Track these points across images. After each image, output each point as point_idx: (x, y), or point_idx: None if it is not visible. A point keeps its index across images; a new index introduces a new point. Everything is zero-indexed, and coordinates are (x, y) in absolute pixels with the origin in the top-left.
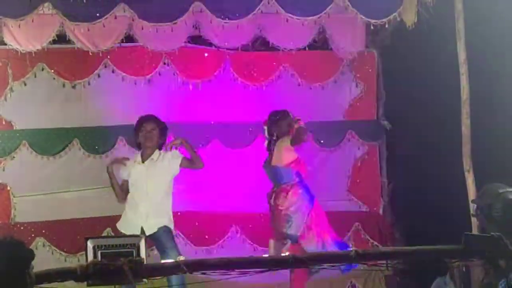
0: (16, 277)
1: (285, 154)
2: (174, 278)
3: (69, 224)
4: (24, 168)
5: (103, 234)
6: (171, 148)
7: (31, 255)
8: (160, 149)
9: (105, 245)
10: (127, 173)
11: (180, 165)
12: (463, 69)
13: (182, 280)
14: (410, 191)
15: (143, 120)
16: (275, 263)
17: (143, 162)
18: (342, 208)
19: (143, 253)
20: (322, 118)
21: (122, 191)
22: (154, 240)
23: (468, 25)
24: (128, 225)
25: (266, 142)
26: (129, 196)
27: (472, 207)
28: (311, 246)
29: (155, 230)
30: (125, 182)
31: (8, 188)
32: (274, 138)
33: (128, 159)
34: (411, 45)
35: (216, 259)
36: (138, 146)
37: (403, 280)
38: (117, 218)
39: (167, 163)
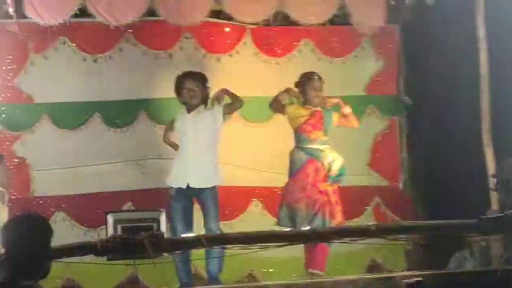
0: (36, 252)
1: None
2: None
3: (89, 198)
4: (43, 142)
5: (123, 209)
6: (218, 101)
7: (50, 230)
8: (205, 102)
9: (125, 219)
10: (178, 126)
11: (224, 113)
12: (483, 44)
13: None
14: (430, 166)
15: (183, 77)
16: (296, 237)
17: (189, 113)
18: (362, 183)
19: (163, 227)
20: (343, 92)
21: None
22: (199, 200)
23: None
24: (177, 179)
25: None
26: (178, 150)
27: (492, 181)
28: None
29: (202, 186)
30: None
31: (28, 162)
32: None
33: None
34: (431, 20)
35: (237, 233)
36: (183, 103)
37: (423, 254)
38: (137, 192)
39: (211, 115)
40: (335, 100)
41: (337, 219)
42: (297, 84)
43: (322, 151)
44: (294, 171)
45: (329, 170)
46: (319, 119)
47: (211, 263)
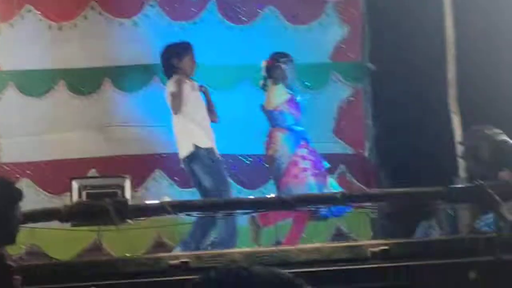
0: (2, 217)
1: (273, 95)
2: None
3: (54, 165)
4: (10, 110)
5: (88, 175)
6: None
7: (19, 195)
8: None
9: (90, 186)
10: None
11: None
12: (448, 11)
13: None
14: (395, 133)
15: (189, 48)
16: (261, 205)
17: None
18: (328, 151)
19: (128, 194)
20: (307, 60)
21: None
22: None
23: None
24: (206, 140)
25: (261, 83)
26: (190, 114)
27: (459, 149)
28: (306, 185)
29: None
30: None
31: None
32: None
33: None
34: None
35: (201, 200)
36: (170, 72)
37: (389, 223)
38: (102, 159)
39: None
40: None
41: None
42: (270, 63)
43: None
44: (288, 152)
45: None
46: (297, 102)
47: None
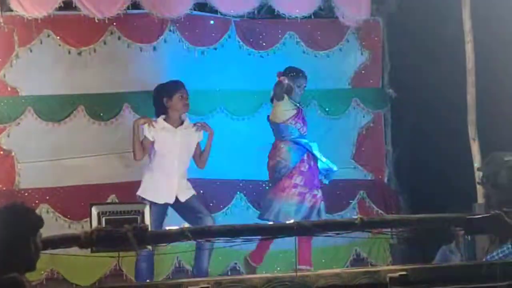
0: (23, 243)
1: (281, 111)
2: None
3: (73, 191)
4: (28, 135)
5: (107, 201)
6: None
7: (40, 222)
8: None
9: (109, 212)
10: (152, 135)
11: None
12: (469, 38)
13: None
14: (415, 159)
15: (179, 85)
16: (279, 231)
17: (175, 127)
18: (347, 176)
19: (147, 220)
20: (327, 86)
21: (142, 148)
22: (185, 208)
23: None
24: (158, 192)
25: (271, 96)
26: (156, 162)
27: (478, 175)
28: (288, 201)
29: (187, 197)
30: (146, 141)
31: (13, 154)
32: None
33: (155, 121)
34: (417, 13)
35: (220, 226)
36: (161, 111)
37: (408, 248)
38: (121, 184)
39: (196, 134)
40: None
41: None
42: (281, 76)
43: (310, 145)
44: (289, 164)
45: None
46: (303, 116)
47: (200, 257)
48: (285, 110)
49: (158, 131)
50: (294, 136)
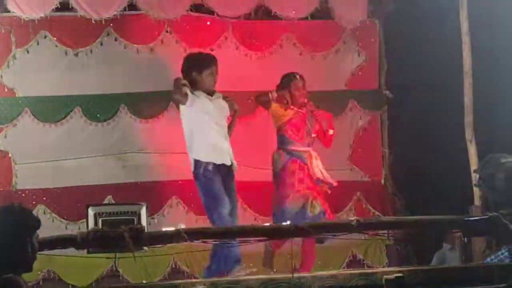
0: (20, 244)
1: (275, 118)
2: None
3: (70, 192)
4: (25, 136)
5: (104, 202)
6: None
7: (37, 223)
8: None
9: (106, 213)
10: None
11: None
12: (466, 40)
13: None
14: (412, 161)
15: (212, 61)
16: (276, 232)
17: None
18: (344, 178)
19: (144, 221)
20: (324, 87)
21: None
22: (225, 181)
23: None
24: (219, 153)
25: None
26: (205, 129)
27: (475, 177)
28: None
29: (236, 163)
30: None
31: (10, 155)
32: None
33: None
34: (413, 15)
35: (217, 227)
36: (191, 82)
37: (404, 250)
38: (118, 185)
39: (225, 106)
40: (327, 116)
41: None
42: (279, 87)
43: (303, 152)
44: (278, 172)
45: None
46: (303, 120)
47: (219, 257)
48: (278, 116)
49: (197, 99)
50: (285, 146)
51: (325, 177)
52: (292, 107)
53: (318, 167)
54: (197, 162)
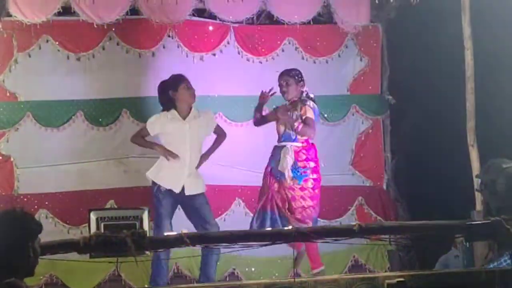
0: (22, 249)
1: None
2: None
3: (72, 196)
4: (27, 140)
5: (106, 206)
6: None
7: (39, 228)
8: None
9: (108, 217)
10: (160, 128)
11: (214, 131)
12: (468, 44)
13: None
14: (414, 165)
15: (182, 77)
16: (278, 237)
17: (183, 119)
18: (346, 183)
19: (146, 225)
20: (326, 92)
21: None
22: (192, 210)
23: (473, 0)
24: (170, 181)
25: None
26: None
27: (476, 182)
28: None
29: (193, 192)
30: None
31: (12, 159)
32: None
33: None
34: (416, 19)
35: (219, 232)
36: (168, 104)
37: (406, 255)
38: (120, 190)
39: (205, 123)
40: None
41: (295, 215)
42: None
43: (280, 148)
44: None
45: (276, 172)
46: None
47: (208, 264)
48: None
49: (167, 123)
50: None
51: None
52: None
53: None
54: (152, 182)
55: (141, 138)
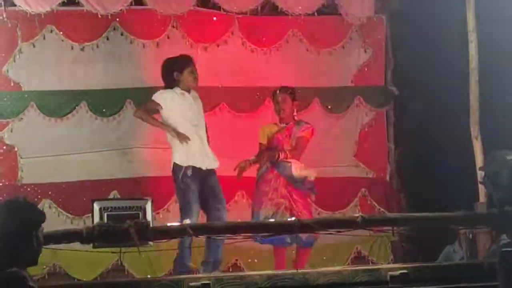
0: (25, 238)
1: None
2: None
3: (75, 186)
4: (31, 130)
5: (109, 197)
6: None
7: (42, 217)
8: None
9: (111, 207)
10: (170, 101)
11: None
12: (472, 37)
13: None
14: (417, 157)
15: (190, 60)
16: (281, 228)
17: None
18: (349, 174)
19: (149, 216)
20: (330, 83)
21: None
22: (208, 189)
23: None
24: (194, 159)
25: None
26: (181, 131)
27: (480, 174)
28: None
29: (212, 167)
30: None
31: (16, 149)
32: None
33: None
34: (420, 11)
35: (222, 223)
36: (170, 85)
37: (409, 246)
38: (123, 180)
39: (201, 105)
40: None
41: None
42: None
43: (285, 163)
44: (257, 180)
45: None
46: (288, 135)
47: (214, 252)
48: (268, 132)
49: (175, 97)
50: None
51: (302, 175)
52: (278, 124)
53: (297, 169)
54: (176, 166)
55: (146, 113)
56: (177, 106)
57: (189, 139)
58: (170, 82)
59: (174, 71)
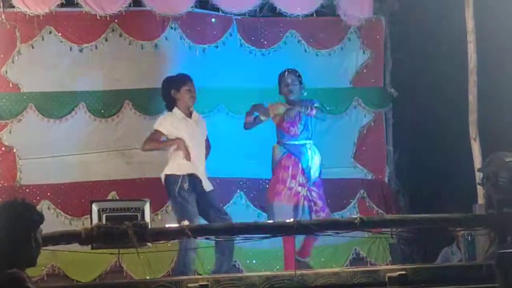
0: (24, 239)
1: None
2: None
3: (74, 187)
4: (30, 131)
5: (108, 198)
6: None
7: (40, 218)
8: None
9: (110, 209)
10: (171, 125)
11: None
12: (471, 38)
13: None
14: (416, 159)
15: (187, 78)
16: (279, 229)
17: (189, 117)
18: (347, 175)
19: (147, 217)
20: (329, 84)
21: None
22: (207, 204)
23: None
24: (188, 164)
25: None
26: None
27: (478, 175)
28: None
29: (210, 188)
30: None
31: (14, 150)
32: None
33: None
34: (419, 12)
35: (220, 224)
36: (170, 104)
37: (408, 248)
38: (122, 181)
39: (204, 128)
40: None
41: (320, 215)
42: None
43: (301, 146)
44: (274, 167)
45: (308, 171)
46: (296, 114)
47: (224, 259)
48: (276, 113)
49: (176, 122)
50: (282, 140)
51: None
52: (285, 103)
53: (314, 166)
54: (169, 178)
55: (154, 142)
56: (176, 131)
57: (189, 156)
58: (169, 100)
59: (172, 88)
